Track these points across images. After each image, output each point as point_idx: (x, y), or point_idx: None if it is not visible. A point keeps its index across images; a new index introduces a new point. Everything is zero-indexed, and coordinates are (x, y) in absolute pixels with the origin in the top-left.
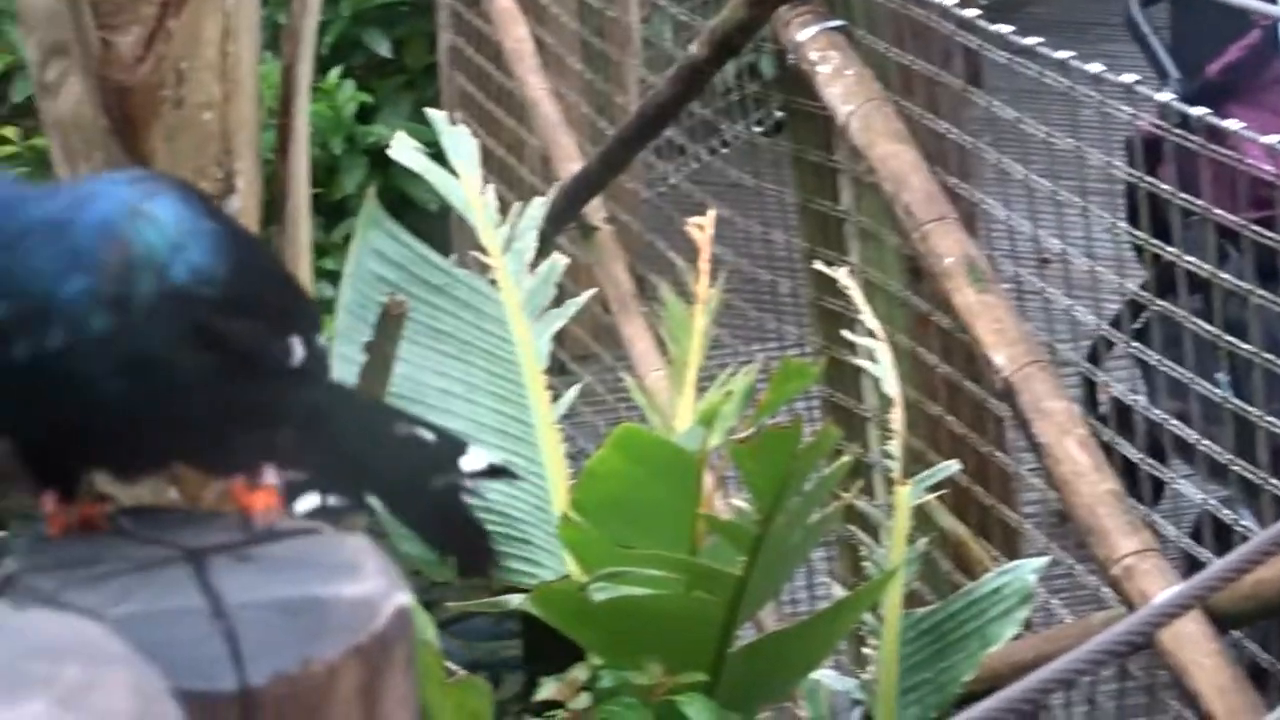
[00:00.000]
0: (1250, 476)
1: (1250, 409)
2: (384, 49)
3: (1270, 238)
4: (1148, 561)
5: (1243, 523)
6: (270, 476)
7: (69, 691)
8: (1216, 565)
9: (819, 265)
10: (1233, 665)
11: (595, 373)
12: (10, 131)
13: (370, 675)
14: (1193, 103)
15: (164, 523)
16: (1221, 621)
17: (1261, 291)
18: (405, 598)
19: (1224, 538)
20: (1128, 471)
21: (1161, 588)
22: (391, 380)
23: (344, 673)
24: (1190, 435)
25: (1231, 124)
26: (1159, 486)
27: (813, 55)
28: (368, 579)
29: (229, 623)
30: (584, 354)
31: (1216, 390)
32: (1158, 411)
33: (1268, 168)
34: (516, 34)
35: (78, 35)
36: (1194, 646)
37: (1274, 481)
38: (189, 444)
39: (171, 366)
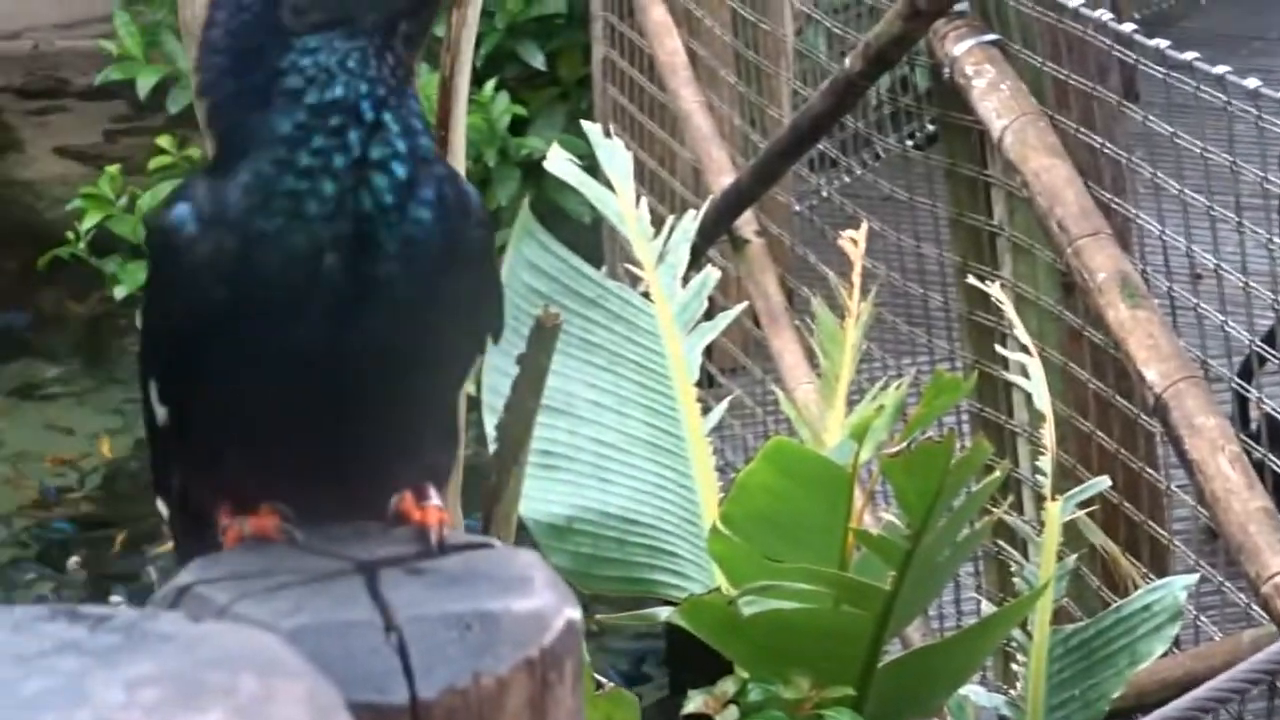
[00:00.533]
0: None
1: None
2: (538, 61)
3: None
4: None
5: None
6: (434, 496)
7: (246, 703)
8: None
9: (971, 279)
10: None
11: (744, 386)
12: (166, 140)
13: (540, 689)
14: None
15: (335, 535)
16: None
17: None
18: (575, 612)
19: None
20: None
21: None
22: (544, 392)
23: (514, 686)
24: None
25: None
26: None
27: (968, 69)
28: (538, 593)
29: (400, 635)
30: (733, 367)
31: None
32: None
33: None
34: (670, 47)
35: None
36: None
37: None
38: (399, 441)
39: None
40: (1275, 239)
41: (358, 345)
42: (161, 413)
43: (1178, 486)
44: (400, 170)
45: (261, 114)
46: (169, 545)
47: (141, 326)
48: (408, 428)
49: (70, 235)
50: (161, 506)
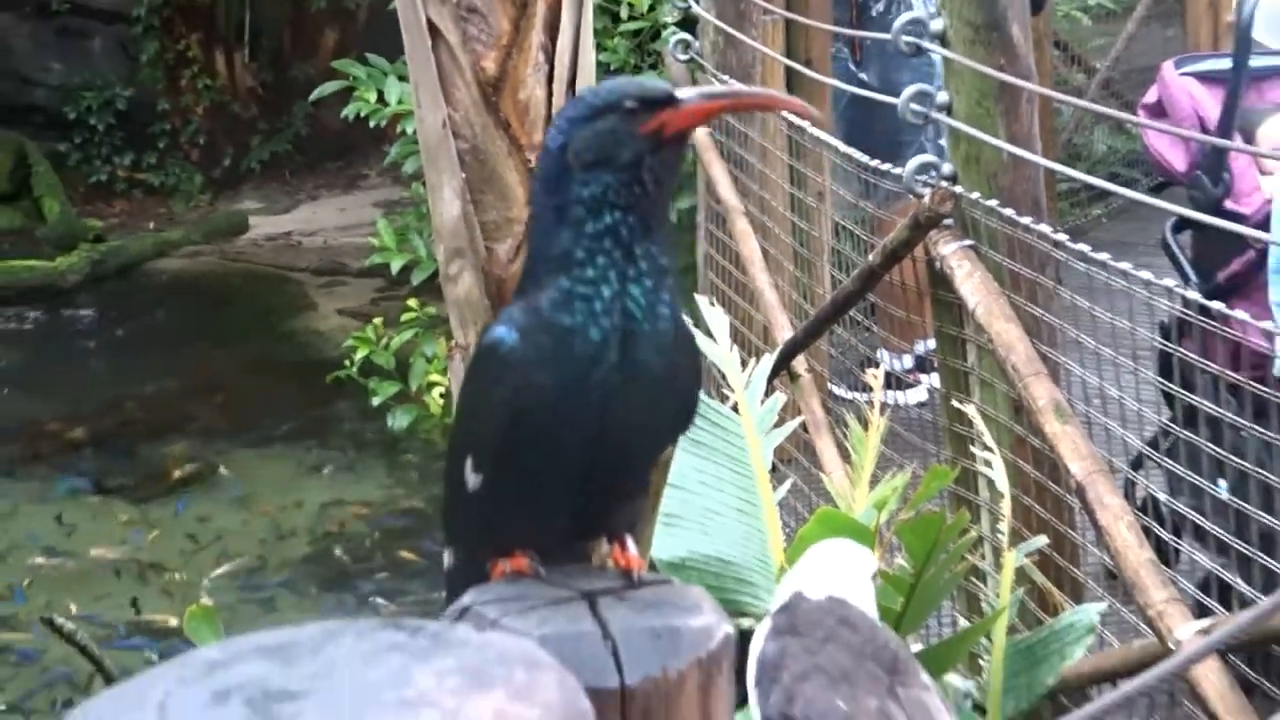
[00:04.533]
0: (1244, 550)
1: (1245, 505)
2: None
3: (1265, 391)
4: (1173, 607)
5: (1239, 583)
6: (631, 545)
7: (519, 686)
8: (1234, 623)
9: (954, 403)
10: (1230, 677)
11: (799, 473)
12: (412, 303)
13: (706, 680)
14: (1209, 298)
15: (566, 572)
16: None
17: (1254, 426)
18: (729, 628)
19: (1224, 593)
20: (1158, 546)
21: (1181, 623)
22: (669, 472)
23: (689, 677)
24: (1203, 522)
25: (1238, 314)
26: (1178, 554)
27: (952, 263)
28: (705, 615)
29: (613, 642)
30: (790, 458)
31: (1221, 492)
32: (1179, 505)
33: (1262, 343)
34: (749, 246)
35: (471, 244)
36: (1204, 665)
37: (1263, 555)
38: (631, 502)
39: (679, 394)
40: (1157, 378)
41: (621, 421)
42: (474, 480)
43: (1091, 544)
44: (649, 282)
45: (558, 232)
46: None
47: (460, 417)
48: (637, 491)
49: (347, 364)
50: (447, 556)
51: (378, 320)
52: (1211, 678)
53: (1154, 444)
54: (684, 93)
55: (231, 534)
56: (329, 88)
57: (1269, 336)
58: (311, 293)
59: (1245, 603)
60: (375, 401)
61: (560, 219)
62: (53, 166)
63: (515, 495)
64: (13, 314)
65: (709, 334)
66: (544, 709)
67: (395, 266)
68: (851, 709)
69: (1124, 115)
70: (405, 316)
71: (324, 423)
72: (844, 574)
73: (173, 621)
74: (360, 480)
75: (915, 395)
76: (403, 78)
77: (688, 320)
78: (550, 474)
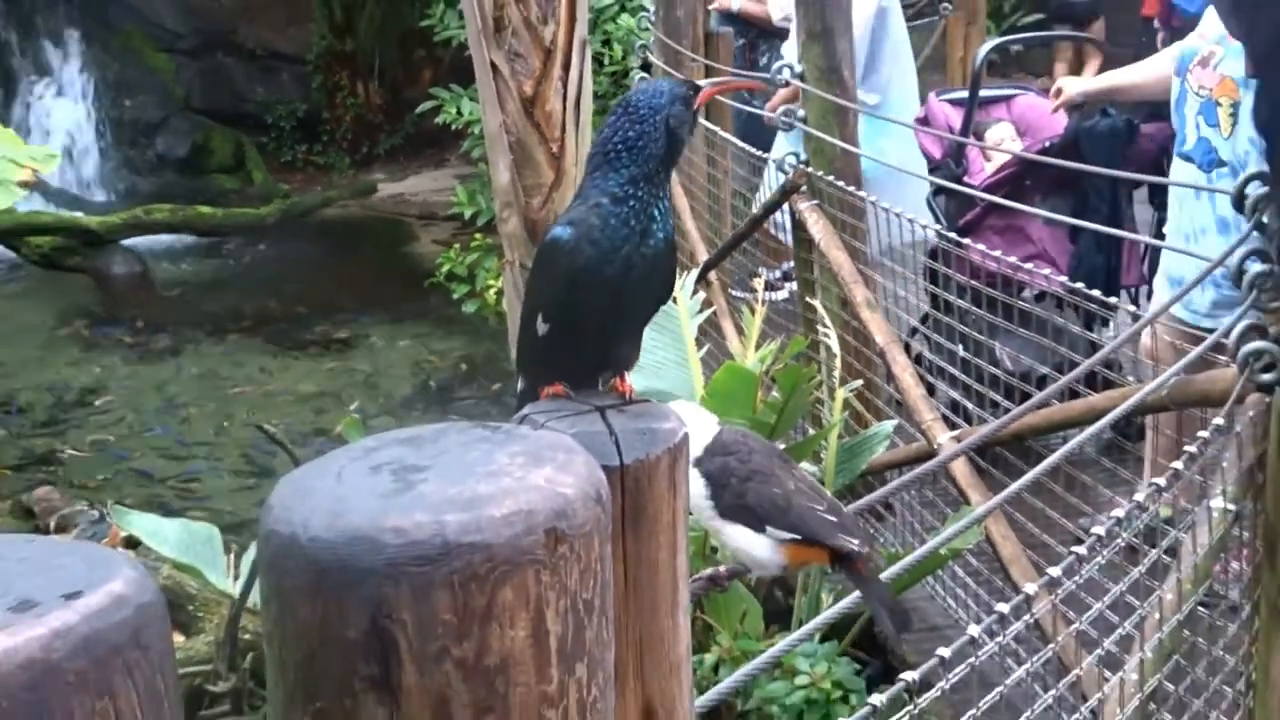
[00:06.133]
0: (976, 388)
1: (976, 359)
2: None
3: (985, 289)
4: (935, 423)
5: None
6: (628, 377)
7: (562, 464)
8: (975, 434)
9: (806, 299)
10: (969, 466)
11: (711, 342)
12: (479, 236)
13: (673, 462)
14: (954, 235)
15: (585, 395)
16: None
17: (977, 309)
18: (687, 430)
19: (966, 415)
20: (927, 385)
21: (940, 433)
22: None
23: (663, 460)
24: (950, 369)
25: (969, 243)
26: (934, 390)
27: (806, 214)
28: (673, 421)
29: (616, 438)
30: (707, 333)
31: (960, 350)
32: (938, 359)
33: (987, 263)
34: (680, 202)
35: (516, 199)
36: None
37: (991, 391)
38: (630, 347)
39: (663, 285)
40: (923, 284)
41: (637, 295)
42: (544, 329)
43: (887, 385)
44: (665, 203)
45: (626, 158)
46: None
47: (532, 288)
48: (634, 340)
49: (437, 273)
50: (520, 381)
51: (456, 247)
52: (960, 466)
53: (923, 321)
54: (701, 84)
55: (367, 378)
56: (427, 106)
57: (987, 257)
58: (416, 230)
59: (978, 420)
60: (455, 296)
61: (633, 156)
62: (258, 151)
63: (568, 338)
64: (233, 243)
65: None
66: (576, 477)
67: (468, 214)
68: (783, 491)
69: (908, 124)
70: (474, 244)
71: (423, 309)
72: (706, 420)
73: (336, 429)
74: (447, 343)
75: (783, 295)
76: (473, 98)
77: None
78: (591, 324)
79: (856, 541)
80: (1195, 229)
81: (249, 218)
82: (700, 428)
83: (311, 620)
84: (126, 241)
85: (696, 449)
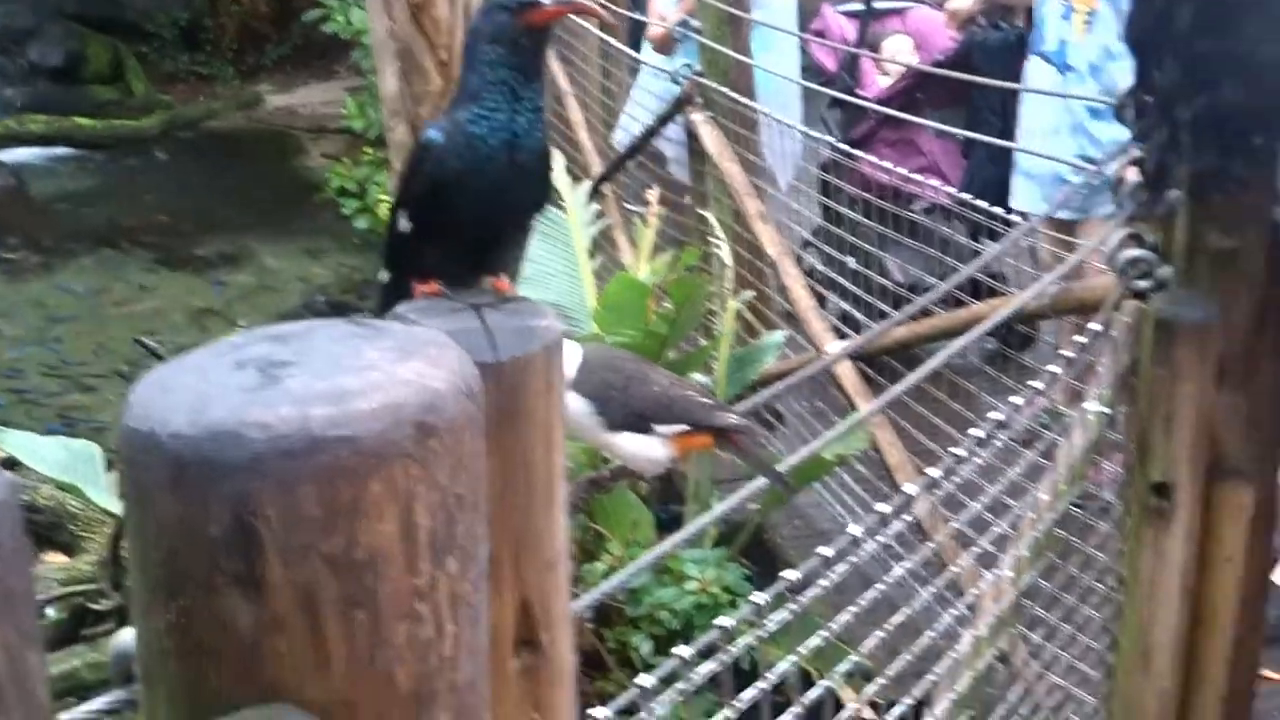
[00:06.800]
0: (865, 298)
1: (866, 270)
2: None
3: (872, 199)
4: (825, 333)
5: (861, 318)
6: (506, 279)
7: (432, 358)
8: (866, 335)
9: (700, 211)
10: (856, 372)
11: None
12: (369, 149)
13: (548, 357)
14: (846, 146)
15: (460, 294)
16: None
17: (868, 222)
18: (560, 327)
19: (854, 325)
20: (817, 296)
21: (829, 342)
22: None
23: (539, 356)
24: (841, 280)
25: (862, 155)
26: (825, 301)
27: (700, 125)
28: (549, 319)
29: (491, 335)
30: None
31: (850, 261)
32: (829, 271)
33: (877, 174)
34: (577, 115)
35: (404, 107)
36: (841, 365)
37: (877, 300)
38: (508, 251)
39: (536, 193)
40: (817, 196)
41: (511, 199)
42: (406, 226)
43: (778, 295)
44: (529, 114)
45: (472, 79)
46: None
47: (401, 187)
48: (512, 245)
49: (328, 188)
50: (383, 274)
51: (346, 161)
52: (848, 375)
53: (815, 234)
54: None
55: (254, 294)
56: (314, 14)
57: (878, 169)
58: (305, 144)
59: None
60: (345, 212)
61: (474, 71)
62: (138, 61)
63: (430, 239)
64: (113, 155)
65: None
66: (447, 371)
67: (358, 127)
68: (661, 389)
69: (804, 35)
70: (364, 158)
71: (313, 225)
72: (569, 345)
73: None
74: (338, 259)
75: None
76: (361, 7)
77: (546, 141)
78: (453, 227)
79: (735, 417)
80: (1048, 128)
81: (130, 130)
82: (567, 353)
83: (172, 517)
84: None
85: (570, 372)
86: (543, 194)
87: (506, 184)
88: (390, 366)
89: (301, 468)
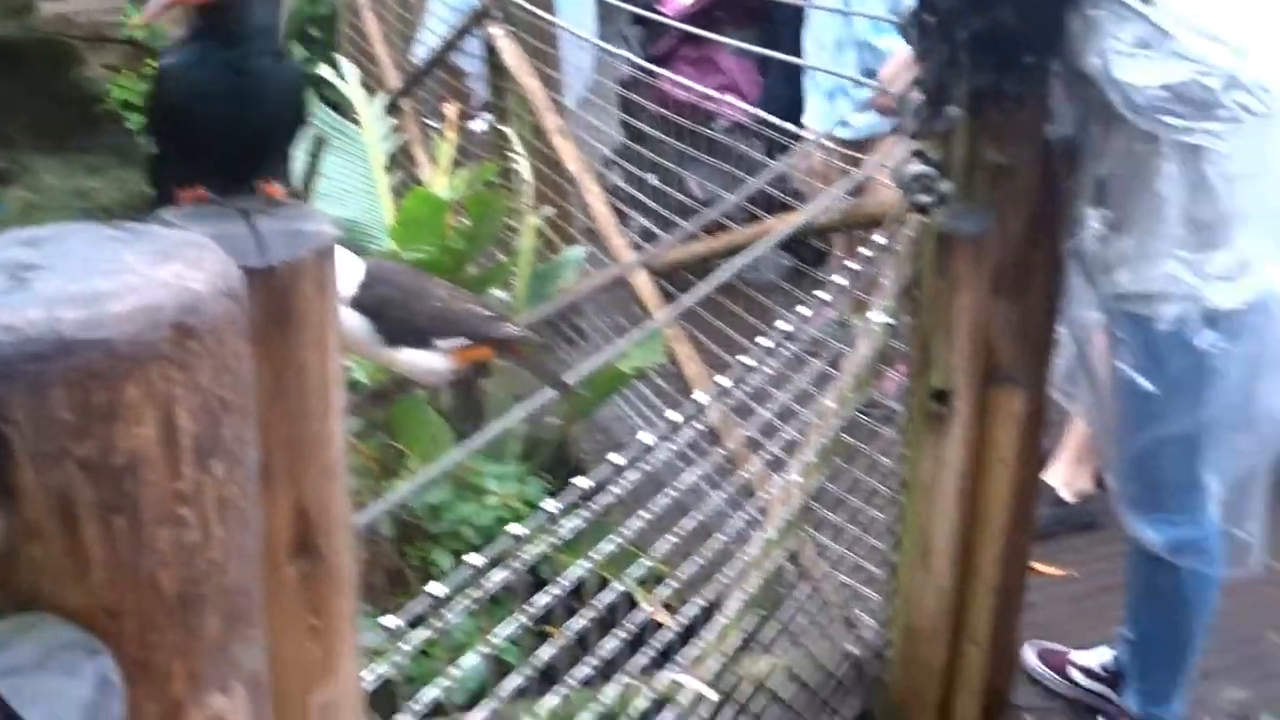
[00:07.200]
0: (665, 214)
1: (665, 187)
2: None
3: (670, 116)
4: (627, 250)
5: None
6: (277, 185)
7: (192, 260)
8: (660, 247)
9: (499, 126)
10: (653, 284)
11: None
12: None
13: (321, 261)
14: (647, 62)
15: (230, 200)
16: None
17: (664, 137)
18: (333, 231)
19: (652, 240)
20: (618, 212)
21: (627, 256)
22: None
23: (310, 261)
24: (644, 198)
25: (662, 71)
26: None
27: (499, 40)
28: (322, 223)
29: (261, 238)
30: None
31: (650, 178)
32: (631, 190)
33: (675, 91)
34: (373, 27)
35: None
36: (639, 276)
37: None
38: (270, 158)
39: (288, 112)
40: (617, 113)
41: (253, 120)
42: (152, 146)
43: (579, 213)
44: (247, 49)
45: (194, 24)
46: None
47: (146, 111)
48: (275, 153)
49: (111, 100)
50: (149, 189)
51: (129, 73)
52: (647, 290)
53: (618, 152)
54: None
55: (30, 210)
56: None
57: (679, 86)
58: (83, 54)
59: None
60: (131, 126)
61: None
62: None
63: (174, 157)
64: None
65: (343, 79)
66: (208, 272)
67: (140, 36)
68: (442, 303)
69: None
70: (148, 71)
71: (94, 140)
72: (350, 260)
73: None
74: (120, 174)
75: (479, 125)
76: None
77: (296, 67)
78: (190, 145)
79: (514, 328)
80: (832, 41)
81: None
82: (347, 268)
83: None
84: None
85: (350, 289)
86: (295, 113)
87: (236, 111)
88: (148, 269)
89: (51, 371)
